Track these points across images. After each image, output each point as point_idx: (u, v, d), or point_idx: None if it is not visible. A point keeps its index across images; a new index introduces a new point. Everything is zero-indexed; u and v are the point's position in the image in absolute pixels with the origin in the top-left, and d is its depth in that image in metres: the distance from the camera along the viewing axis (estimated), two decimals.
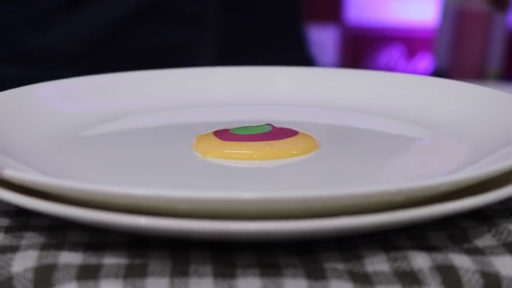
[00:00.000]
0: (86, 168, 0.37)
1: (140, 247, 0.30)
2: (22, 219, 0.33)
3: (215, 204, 0.27)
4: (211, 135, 0.40)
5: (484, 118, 0.41)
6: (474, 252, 0.29)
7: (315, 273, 0.27)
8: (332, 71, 0.52)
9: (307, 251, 0.29)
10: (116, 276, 0.27)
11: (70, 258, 0.29)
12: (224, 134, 0.40)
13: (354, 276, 0.27)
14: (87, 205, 0.28)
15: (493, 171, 0.30)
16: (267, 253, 0.29)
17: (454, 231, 0.31)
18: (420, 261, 0.28)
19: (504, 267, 0.28)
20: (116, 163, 0.38)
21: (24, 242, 0.30)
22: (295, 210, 0.27)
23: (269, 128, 0.40)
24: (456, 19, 1.74)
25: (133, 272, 0.27)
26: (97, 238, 0.30)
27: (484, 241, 0.30)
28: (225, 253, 0.29)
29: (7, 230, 0.32)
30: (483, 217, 0.33)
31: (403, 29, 2.09)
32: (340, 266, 0.28)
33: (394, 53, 2.12)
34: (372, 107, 0.47)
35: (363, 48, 2.10)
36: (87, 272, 0.27)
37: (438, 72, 1.82)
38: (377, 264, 0.28)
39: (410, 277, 0.27)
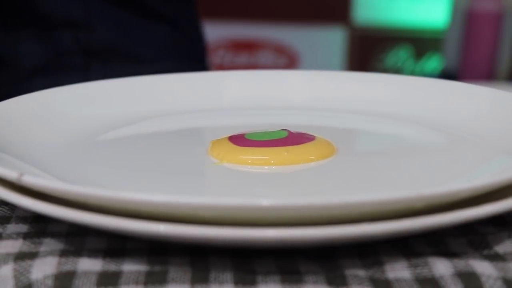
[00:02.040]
0: (102, 173, 0.37)
1: (160, 253, 0.29)
2: (41, 225, 0.33)
3: (235, 210, 0.27)
4: (227, 140, 0.40)
5: (500, 121, 0.41)
6: (495, 258, 0.29)
7: (336, 280, 0.27)
8: (348, 74, 0.51)
9: (328, 258, 0.29)
10: (136, 283, 0.27)
11: (89, 264, 0.29)
12: (239, 140, 0.39)
13: (376, 283, 0.27)
14: (105, 211, 0.28)
15: None
16: (287, 259, 0.29)
17: (474, 237, 0.31)
18: (441, 267, 0.28)
19: None
20: (132, 168, 0.38)
21: (43, 248, 0.30)
22: (314, 217, 0.27)
23: (285, 134, 0.40)
24: (466, 20, 1.74)
25: (153, 279, 0.27)
26: (116, 245, 0.30)
27: (505, 247, 0.30)
28: (245, 259, 0.29)
29: (26, 236, 0.31)
30: (503, 222, 0.32)
31: (411, 30, 2.08)
32: (361, 272, 0.28)
33: (402, 54, 2.11)
34: (389, 111, 0.46)
35: (371, 49, 2.10)
36: (107, 279, 0.27)
37: (446, 73, 1.82)
38: (398, 270, 0.28)
39: (431, 284, 0.27)
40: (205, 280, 0.27)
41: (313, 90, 0.50)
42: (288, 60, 2.08)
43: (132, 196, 0.27)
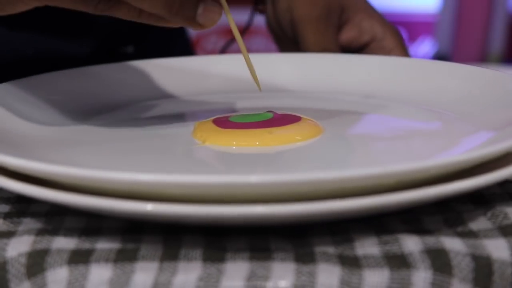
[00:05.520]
0: (87, 155, 0.36)
1: (135, 232, 0.30)
2: (22, 206, 0.33)
3: (203, 189, 0.27)
4: (210, 122, 0.40)
5: (489, 100, 0.40)
6: (468, 235, 0.29)
7: (305, 257, 0.27)
8: (334, 56, 0.51)
9: (300, 235, 0.29)
10: (106, 260, 0.27)
11: (64, 243, 0.29)
12: (224, 122, 0.39)
13: (343, 260, 0.27)
14: (87, 191, 0.28)
15: (487, 154, 0.29)
16: (260, 237, 0.29)
17: (450, 214, 0.31)
18: (411, 244, 0.28)
19: (496, 250, 0.28)
20: (116, 151, 0.38)
21: (21, 227, 0.31)
22: (286, 194, 0.27)
23: (270, 116, 0.40)
24: (457, 3, 1.72)
25: (124, 256, 0.28)
26: (93, 224, 0.31)
27: (479, 224, 0.30)
28: (218, 237, 0.29)
29: (6, 216, 0.32)
30: (482, 200, 0.32)
31: (404, 14, 2.07)
32: (331, 249, 0.28)
33: None
34: (376, 91, 0.46)
35: None
36: (79, 257, 0.28)
37: (439, 56, 1.81)
38: (368, 247, 0.28)
39: (399, 260, 0.27)
40: (174, 257, 0.27)
41: (299, 72, 0.50)
42: None
43: (118, 175, 0.27)
